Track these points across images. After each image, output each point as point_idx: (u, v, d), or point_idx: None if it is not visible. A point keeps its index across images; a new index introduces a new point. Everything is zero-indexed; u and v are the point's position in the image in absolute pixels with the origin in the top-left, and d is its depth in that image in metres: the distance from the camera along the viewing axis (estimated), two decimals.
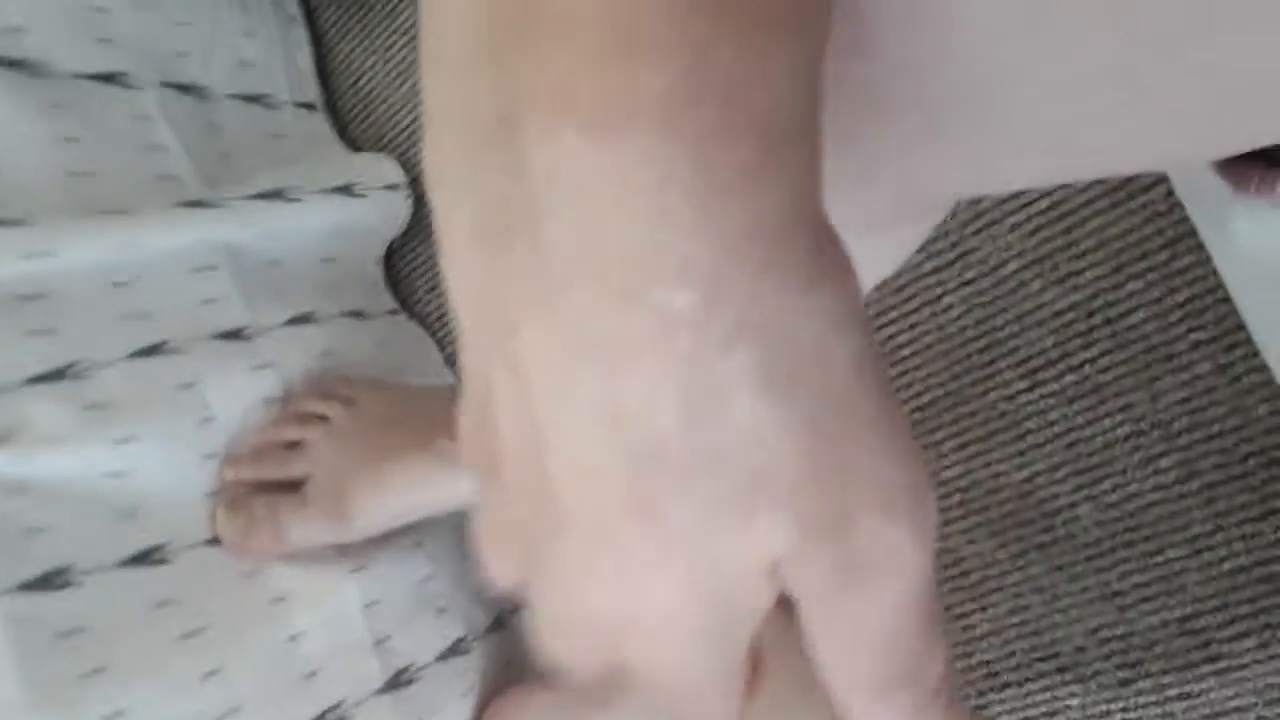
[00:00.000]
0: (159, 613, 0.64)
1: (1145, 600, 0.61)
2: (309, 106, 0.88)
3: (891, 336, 0.66)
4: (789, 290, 0.14)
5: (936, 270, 0.64)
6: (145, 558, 0.65)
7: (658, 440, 0.14)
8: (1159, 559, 0.60)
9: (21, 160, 0.66)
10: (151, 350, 0.67)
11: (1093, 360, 0.60)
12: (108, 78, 0.74)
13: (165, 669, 0.60)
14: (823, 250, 0.15)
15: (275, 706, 0.62)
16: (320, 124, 0.88)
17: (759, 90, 0.14)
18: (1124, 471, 0.60)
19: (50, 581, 0.60)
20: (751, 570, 0.15)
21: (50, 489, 0.61)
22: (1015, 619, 0.65)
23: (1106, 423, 0.60)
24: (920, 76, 0.18)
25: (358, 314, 0.79)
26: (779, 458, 0.14)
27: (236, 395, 0.70)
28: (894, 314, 0.66)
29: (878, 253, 0.33)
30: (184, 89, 0.78)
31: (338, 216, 0.78)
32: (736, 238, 0.14)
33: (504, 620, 0.75)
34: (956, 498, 0.66)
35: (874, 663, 0.16)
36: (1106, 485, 0.61)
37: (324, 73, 0.90)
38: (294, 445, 0.70)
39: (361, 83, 0.89)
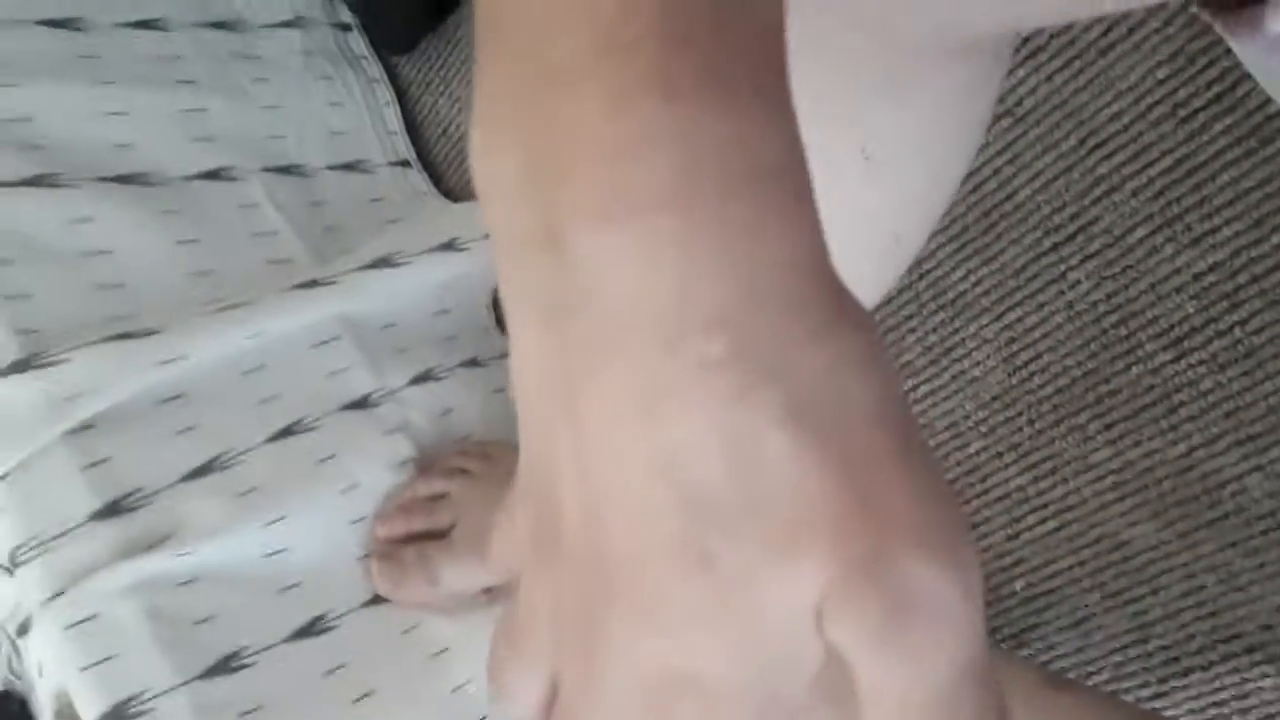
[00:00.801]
0: (330, 679, 0.67)
1: None
2: (404, 164, 0.90)
3: (1019, 319, 0.63)
4: (810, 335, 0.16)
5: (1056, 246, 0.61)
6: (311, 628, 0.68)
7: (705, 485, 0.15)
8: None
9: (147, 270, 0.70)
10: (288, 431, 0.70)
11: (1242, 323, 0.56)
12: (213, 174, 0.77)
13: None
14: (839, 299, 0.16)
15: None
16: (417, 180, 0.90)
17: (748, 155, 0.16)
18: None
19: (227, 665, 0.63)
20: (799, 617, 0.16)
21: (215, 577, 0.64)
22: (1191, 601, 0.61)
23: (1266, 386, 0.56)
24: None
25: (473, 363, 0.81)
26: (815, 497, 0.15)
27: (374, 460, 0.72)
28: (1019, 295, 0.63)
29: (942, 97, 0.35)
30: (284, 170, 0.81)
31: (445, 272, 0.79)
32: (756, 288, 0.15)
33: None
34: (1110, 480, 0.62)
35: None
36: (1275, 453, 0.56)
37: (413, 128, 0.92)
38: (438, 498, 0.72)
39: (450, 131, 0.91)
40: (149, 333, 0.65)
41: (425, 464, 0.74)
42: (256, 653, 0.64)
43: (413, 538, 0.71)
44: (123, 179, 0.72)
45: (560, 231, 0.16)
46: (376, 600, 0.70)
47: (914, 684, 0.15)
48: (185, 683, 0.60)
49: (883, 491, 0.15)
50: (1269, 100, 0.52)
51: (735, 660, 0.16)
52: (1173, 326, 0.58)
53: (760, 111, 0.16)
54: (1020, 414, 0.64)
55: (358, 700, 0.67)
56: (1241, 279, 0.55)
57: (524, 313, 0.17)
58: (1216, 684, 0.61)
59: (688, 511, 0.16)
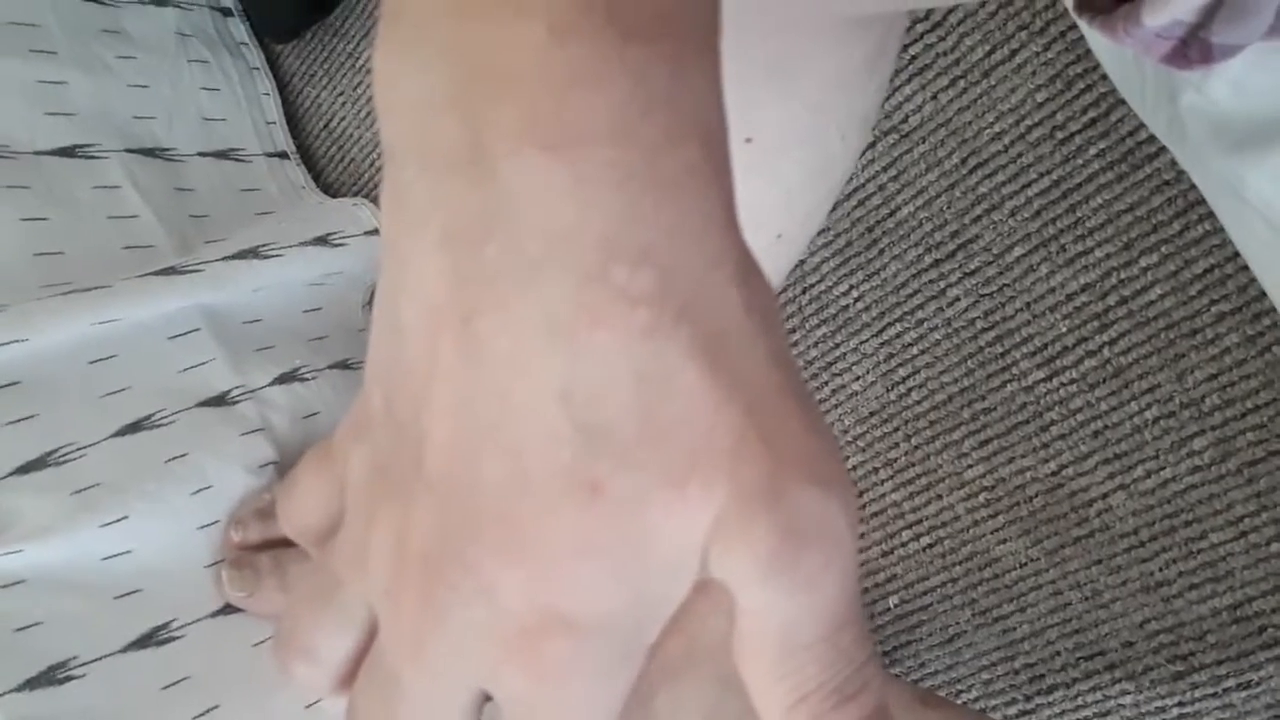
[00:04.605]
0: (170, 693, 0.62)
1: (1192, 588, 0.58)
2: (281, 156, 0.86)
3: (898, 335, 0.64)
4: (731, 281, 0.16)
5: (938, 263, 0.62)
6: (151, 638, 0.63)
7: (606, 415, 0.15)
8: (1202, 544, 0.57)
9: None
10: (136, 426, 0.65)
11: (1111, 343, 0.57)
12: (69, 151, 0.72)
13: None
14: (749, 256, 0.17)
15: None
16: (295, 172, 0.86)
17: (694, 107, 0.16)
18: (1156, 456, 0.57)
19: (52, 677, 0.58)
20: (687, 548, 0.16)
21: (44, 581, 0.59)
22: (1057, 618, 0.62)
23: (1133, 406, 0.57)
24: None
25: (344, 365, 0.77)
26: (717, 429, 0.15)
27: (230, 461, 0.67)
28: (898, 311, 0.63)
29: (828, 83, 0.35)
30: (149, 153, 0.76)
31: (319, 268, 0.76)
32: (691, 228, 0.16)
33: None
34: (982, 497, 0.63)
35: (810, 660, 0.16)
36: (1139, 472, 0.58)
37: (293, 120, 0.88)
38: None
39: (333, 125, 0.87)
40: None
41: (286, 468, 0.70)
42: (87, 663, 0.59)
43: (268, 545, 0.67)
44: None
45: (488, 153, 0.15)
46: (226, 610, 0.66)
47: (800, 614, 0.16)
48: (3, 694, 0.55)
49: (780, 425, 0.16)
50: (1141, 126, 0.54)
51: (612, 595, 0.16)
52: (1046, 345, 0.59)
53: (707, 66, 0.16)
54: (897, 429, 0.64)
55: (200, 716, 0.62)
56: (1111, 300, 0.57)
57: (419, 234, 0.16)
58: (1079, 701, 0.62)
59: (583, 440, 0.15)
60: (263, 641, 0.66)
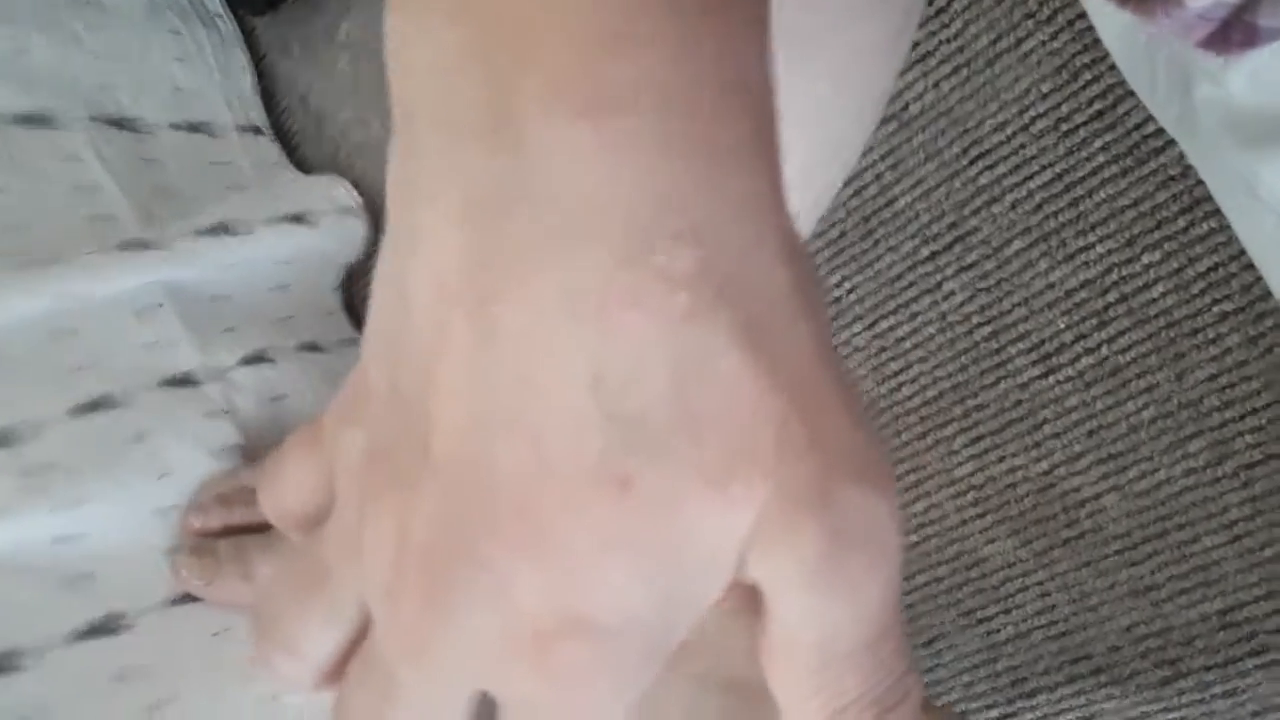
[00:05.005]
0: (122, 684, 0.59)
1: (1182, 593, 0.57)
2: (255, 130, 0.83)
3: (891, 329, 0.62)
4: (776, 261, 0.15)
5: (934, 255, 0.60)
6: (103, 627, 0.60)
7: (640, 402, 0.14)
8: (1194, 548, 0.56)
9: None
10: (95, 405, 0.62)
11: (1110, 340, 0.56)
12: (28, 119, 0.69)
13: None
14: (794, 233, 0.15)
15: None
16: (268, 148, 0.83)
17: (742, 72, 0.15)
18: (1151, 457, 0.56)
19: None
20: (723, 550, 0.14)
21: None
22: (1042, 620, 0.61)
23: (1130, 406, 0.56)
24: None
25: (313, 347, 0.74)
26: (759, 422, 0.14)
27: (192, 443, 0.65)
28: (892, 304, 0.62)
29: (848, 62, 0.34)
30: (115, 123, 0.73)
31: (290, 246, 0.73)
32: (736, 207, 0.14)
33: None
34: (971, 495, 0.61)
35: (849, 670, 0.15)
36: (1133, 473, 0.57)
37: (268, 94, 0.85)
38: None
39: (309, 100, 0.85)
40: None
41: (251, 452, 0.67)
42: (34, 652, 0.56)
43: (230, 532, 0.64)
44: None
45: (515, 118, 0.14)
46: (184, 599, 0.63)
47: (842, 622, 0.15)
48: None
49: (826, 418, 0.15)
50: (1148, 119, 0.53)
51: (638, 598, 0.14)
52: (1043, 342, 0.58)
53: (756, 37, 0.15)
54: (887, 425, 0.63)
55: (153, 707, 0.59)
56: (1111, 297, 0.56)
57: (434, 203, 0.15)
58: (1062, 705, 0.61)
59: (613, 429, 0.14)
60: (221, 632, 0.63)
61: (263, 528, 0.63)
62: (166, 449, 0.63)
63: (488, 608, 0.14)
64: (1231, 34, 0.31)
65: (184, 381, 0.66)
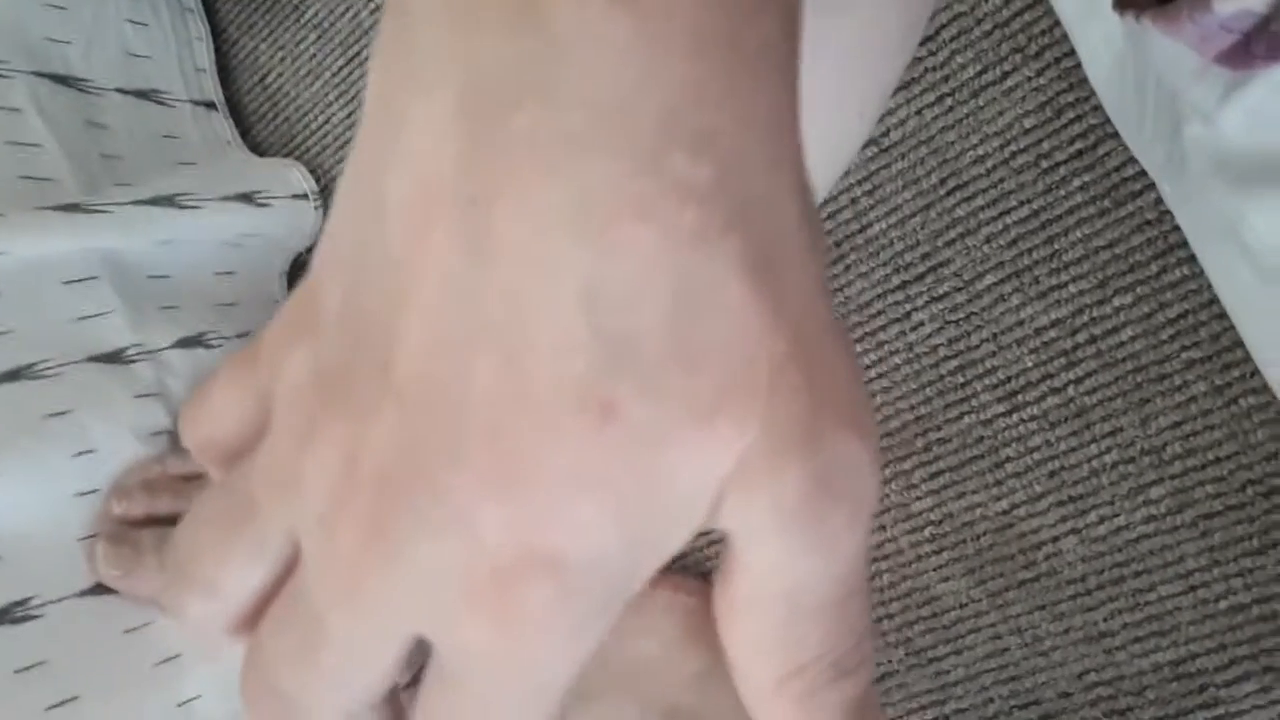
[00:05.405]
0: (22, 678, 0.55)
1: (1136, 641, 0.56)
2: (208, 105, 0.80)
3: (858, 356, 0.61)
4: (790, 189, 0.14)
5: (905, 285, 0.59)
6: (6, 614, 0.56)
7: (635, 325, 0.13)
8: (1150, 596, 0.55)
9: None
10: (16, 374, 0.58)
11: (1077, 381, 0.55)
12: None
13: None
14: (805, 166, 0.15)
15: None
16: (221, 125, 0.80)
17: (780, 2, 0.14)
18: (1112, 502, 0.56)
19: None
20: (702, 488, 0.14)
21: None
22: (993, 663, 0.60)
23: (1093, 449, 0.56)
24: None
25: (254, 335, 0.71)
26: (758, 357, 0.13)
27: (119, 424, 0.61)
28: (860, 331, 0.61)
29: (856, 46, 0.33)
30: (61, 80, 0.70)
31: (238, 227, 0.70)
32: (761, 120, 0.14)
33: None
34: (928, 532, 0.60)
35: (813, 628, 0.15)
36: (1093, 517, 0.56)
37: (226, 70, 0.82)
38: (192, 479, 0.62)
39: (268, 81, 0.81)
40: None
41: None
42: None
43: (153, 522, 0.60)
44: None
45: (547, 3, 0.13)
46: (98, 590, 0.59)
47: (814, 575, 0.14)
48: None
49: (822, 361, 0.14)
50: (1127, 162, 0.52)
51: (608, 536, 0.13)
52: (1010, 379, 0.57)
53: None
54: None
55: (55, 707, 0.55)
56: (1081, 338, 0.55)
57: (428, 92, 0.14)
58: None
59: (602, 351, 0.13)
60: (135, 629, 0.59)
61: None
62: (90, 427, 0.60)
63: (441, 541, 0.13)
64: (1254, 46, 0.30)
65: (114, 359, 0.63)
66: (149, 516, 0.60)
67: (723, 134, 0.13)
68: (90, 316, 0.62)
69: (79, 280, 0.62)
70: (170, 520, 0.60)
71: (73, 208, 0.62)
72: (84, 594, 0.58)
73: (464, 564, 0.13)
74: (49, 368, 0.59)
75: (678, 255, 0.13)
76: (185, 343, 0.67)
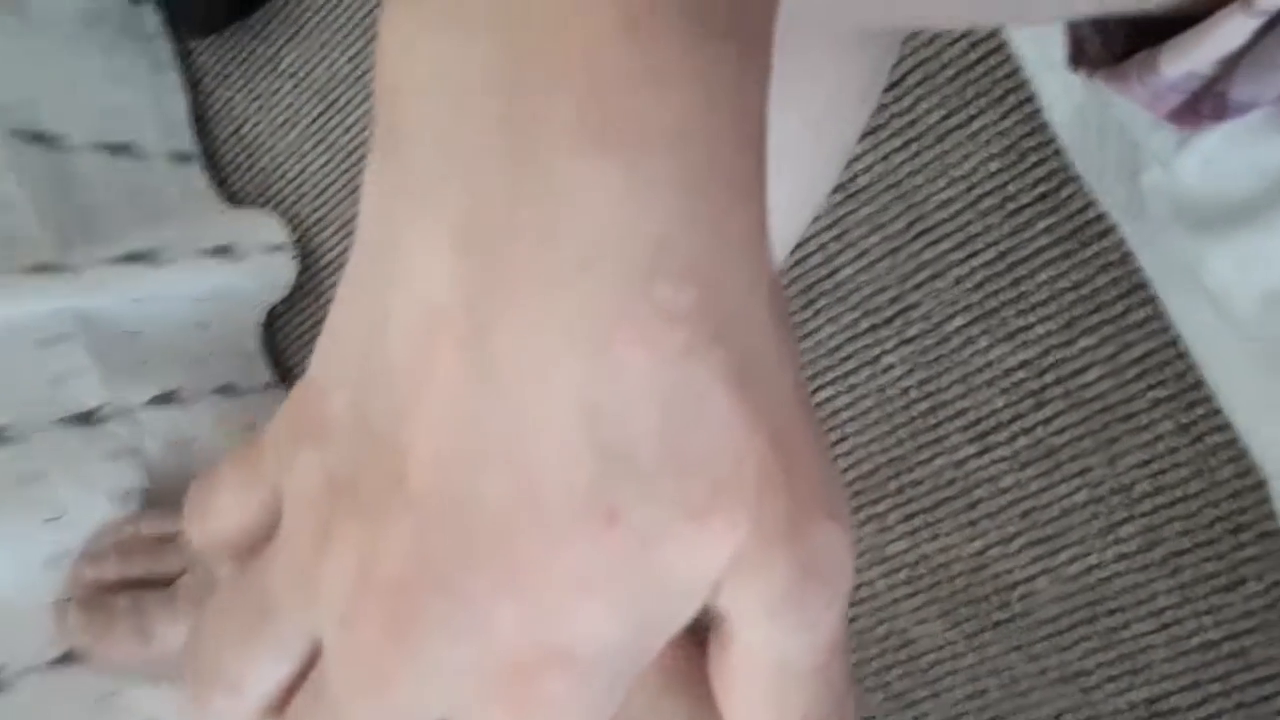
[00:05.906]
0: None
1: (1110, 680, 0.56)
2: (184, 157, 0.80)
3: (828, 400, 0.61)
4: (766, 304, 0.15)
5: (874, 328, 0.60)
6: None
7: (631, 437, 0.14)
8: (1124, 634, 0.55)
9: None
10: None
11: (1046, 421, 0.56)
12: None
13: None
14: (776, 274, 0.16)
15: None
16: (196, 176, 0.80)
17: (752, 102, 0.15)
18: (1083, 541, 0.56)
19: None
20: (700, 580, 0.15)
21: None
22: (972, 705, 0.60)
23: (1063, 489, 0.56)
24: None
25: (228, 389, 0.71)
26: (743, 459, 0.15)
27: (91, 486, 0.61)
28: (830, 375, 0.61)
29: (822, 101, 0.35)
30: (35, 138, 0.70)
31: (212, 282, 0.70)
32: (737, 245, 0.15)
33: None
34: (904, 574, 0.60)
35: (797, 690, 0.16)
36: (1064, 556, 0.56)
37: (202, 120, 0.83)
38: (167, 540, 0.61)
39: (244, 130, 0.82)
40: None
41: (156, 497, 0.63)
42: None
43: (127, 585, 0.60)
44: None
45: (537, 146, 0.14)
46: (68, 658, 0.58)
47: (799, 649, 0.16)
48: None
49: (799, 457, 0.15)
50: (1090, 204, 0.53)
51: (617, 628, 0.15)
52: (980, 420, 0.57)
53: (764, 63, 0.16)
54: None
55: None
56: (1048, 378, 0.55)
57: (430, 221, 0.15)
58: None
59: (602, 463, 0.14)
60: (107, 696, 0.58)
61: (164, 582, 0.59)
62: (63, 490, 0.59)
63: (461, 638, 0.14)
64: (1201, 106, 0.31)
65: (87, 419, 0.63)
66: (122, 580, 0.59)
67: (703, 261, 0.15)
68: (63, 377, 0.62)
69: (52, 340, 0.62)
70: (144, 583, 0.59)
71: (46, 268, 0.62)
72: (54, 663, 0.58)
73: (483, 659, 0.15)
74: (21, 431, 0.59)
75: (669, 371, 0.14)
76: (159, 400, 0.67)
